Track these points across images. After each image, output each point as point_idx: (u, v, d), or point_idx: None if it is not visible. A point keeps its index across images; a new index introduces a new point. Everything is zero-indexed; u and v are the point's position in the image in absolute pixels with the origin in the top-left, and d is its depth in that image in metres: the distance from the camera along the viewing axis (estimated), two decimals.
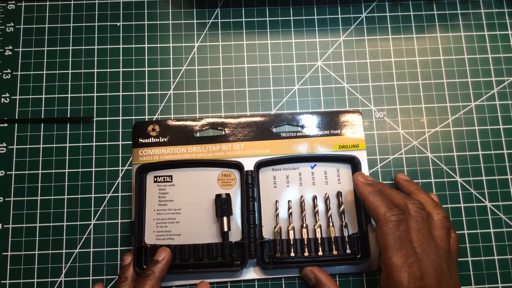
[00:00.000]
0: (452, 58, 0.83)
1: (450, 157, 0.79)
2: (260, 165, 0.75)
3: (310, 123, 0.79)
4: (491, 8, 0.85)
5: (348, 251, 0.72)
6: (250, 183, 0.74)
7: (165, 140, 0.77)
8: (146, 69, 0.82)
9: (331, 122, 0.79)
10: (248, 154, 0.77)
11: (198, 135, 0.78)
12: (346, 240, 0.72)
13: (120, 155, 0.78)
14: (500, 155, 0.79)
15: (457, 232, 0.74)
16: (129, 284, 0.69)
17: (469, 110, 0.81)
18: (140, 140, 0.77)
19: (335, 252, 0.72)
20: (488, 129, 0.80)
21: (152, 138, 0.77)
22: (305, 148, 0.77)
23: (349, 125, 0.79)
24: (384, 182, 0.77)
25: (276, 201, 0.75)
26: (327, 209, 0.74)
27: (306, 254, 0.72)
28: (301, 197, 0.75)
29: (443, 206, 0.74)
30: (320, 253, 0.72)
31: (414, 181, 0.77)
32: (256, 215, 0.73)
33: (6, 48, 0.82)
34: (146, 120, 0.79)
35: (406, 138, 0.80)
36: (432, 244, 0.63)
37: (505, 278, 0.75)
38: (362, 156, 0.77)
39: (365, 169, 0.77)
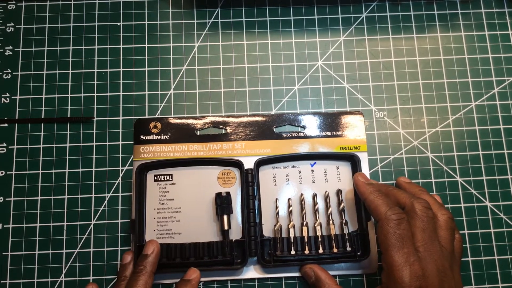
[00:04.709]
0: (452, 58, 0.85)
1: (450, 157, 0.81)
2: (260, 163, 0.77)
3: (311, 124, 0.80)
4: (492, 8, 0.87)
5: (348, 248, 0.74)
6: (250, 182, 0.75)
7: (167, 137, 0.79)
8: (147, 69, 0.84)
9: (332, 123, 0.80)
10: (249, 153, 0.78)
11: (199, 133, 0.80)
12: (346, 237, 0.74)
13: (120, 155, 0.80)
14: (501, 155, 0.81)
15: None
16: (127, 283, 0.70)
17: (470, 110, 0.83)
18: (141, 137, 0.79)
19: (335, 250, 0.74)
20: (489, 129, 0.82)
21: (154, 135, 0.79)
22: (306, 149, 0.79)
23: (350, 126, 0.80)
24: (384, 182, 0.79)
25: (276, 199, 0.77)
26: (327, 207, 0.76)
27: (306, 252, 0.74)
28: (301, 195, 0.77)
29: None
30: (321, 251, 0.74)
31: (415, 181, 0.79)
32: (256, 213, 0.75)
33: (6, 48, 0.84)
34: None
35: (406, 138, 0.81)
36: (436, 244, 0.64)
37: (506, 278, 0.77)
38: (363, 158, 0.79)
39: (365, 170, 0.78)
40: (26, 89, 0.82)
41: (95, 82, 0.83)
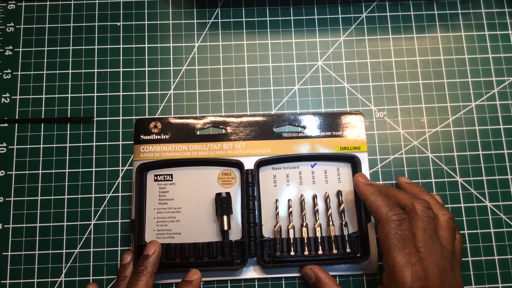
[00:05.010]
0: (452, 58, 0.85)
1: (450, 157, 0.81)
2: (260, 164, 0.77)
3: (311, 124, 0.81)
4: (492, 8, 0.87)
5: (348, 250, 0.74)
6: (250, 182, 0.76)
7: (167, 137, 0.79)
8: (147, 69, 0.84)
9: (332, 123, 0.81)
10: (249, 153, 0.78)
11: (199, 133, 0.80)
12: (346, 239, 0.74)
13: (121, 155, 0.80)
14: (501, 155, 0.81)
15: None
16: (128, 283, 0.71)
17: (470, 110, 0.83)
18: (141, 136, 0.79)
19: (335, 251, 0.74)
20: (489, 129, 0.82)
21: (154, 135, 0.79)
22: (306, 149, 0.79)
23: (350, 126, 0.80)
24: (385, 182, 0.80)
25: (276, 200, 0.77)
26: (327, 208, 0.76)
27: (306, 253, 0.74)
28: (301, 196, 0.77)
29: None
30: (320, 252, 0.74)
31: (415, 181, 0.79)
32: (256, 214, 0.75)
33: (6, 48, 0.84)
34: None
35: (406, 138, 0.82)
36: (437, 244, 0.64)
37: (505, 278, 0.77)
38: (364, 158, 0.79)
39: (365, 170, 0.78)
40: (26, 89, 0.83)
41: (95, 82, 0.83)
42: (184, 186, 0.78)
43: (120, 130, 0.81)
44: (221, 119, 0.81)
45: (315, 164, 0.79)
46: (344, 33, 0.86)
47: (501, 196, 0.80)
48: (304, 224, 0.76)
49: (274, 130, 0.80)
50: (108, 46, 0.85)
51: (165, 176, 0.78)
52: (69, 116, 0.82)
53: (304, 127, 0.80)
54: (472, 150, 0.81)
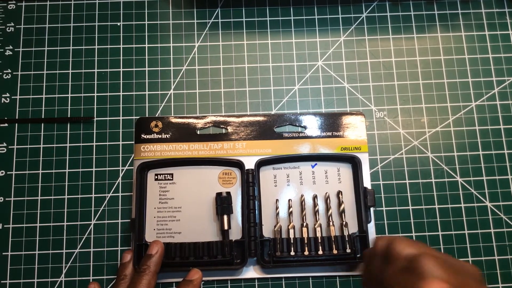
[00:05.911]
0: (452, 58, 0.85)
1: (450, 157, 0.81)
2: (261, 163, 0.77)
3: (312, 124, 0.80)
4: (492, 8, 0.87)
5: (348, 250, 0.74)
6: (250, 182, 0.76)
7: (168, 136, 0.79)
8: (147, 69, 0.84)
9: (333, 124, 0.80)
10: (250, 153, 0.78)
11: (199, 133, 0.80)
12: (346, 239, 0.74)
13: (121, 155, 0.80)
14: (501, 155, 0.81)
15: (457, 232, 0.77)
16: (128, 282, 0.70)
17: (470, 110, 0.83)
18: (142, 136, 0.79)
19: (335, 251, 0.74)
20: (489, 129, 0.82)
21: (155, 134, 0.79)
22: (307, 149, 0.79)
23: (351, 127, 0.80)
24: (384, 182, 0.80)
25: (277, 200, 0.77)
26: (327, 208, 0.76)
27: (306, 253, 0.74)
28: (302, 196, 0.77)
29: (443, 206, 0.78)
30: (320, 252, 0.74)
31: (415, 181, 0.80)
32: (256, 213, 0.75)
33: (6, 48, 0.84)
34: None
35: (406, 138, 0.81)
36: None
37: (506, 278, 0.77)
38: (364, 159, 0.79)
39: (366, 170, 0.78)
40: (26, 89, 0.83)
41: (95, 82, 0.83)
42: (185, 186, 0.78)
43: (120, 130, 0.81)
44: (222, 118, 0.81)
45: (316, 164, 0.79)
46: (344, 33, 0.86)
47: (501, 196, 0.80)
48: (304, 224, 0.75)
49: (275, 130, 0.80)
50: (108, 46, 0.85)
51: (166, 175, 0.78)
52: (69, 116, 0.82)
53: (305, 127, 0.80)
54: (472, 150, 0.81)
